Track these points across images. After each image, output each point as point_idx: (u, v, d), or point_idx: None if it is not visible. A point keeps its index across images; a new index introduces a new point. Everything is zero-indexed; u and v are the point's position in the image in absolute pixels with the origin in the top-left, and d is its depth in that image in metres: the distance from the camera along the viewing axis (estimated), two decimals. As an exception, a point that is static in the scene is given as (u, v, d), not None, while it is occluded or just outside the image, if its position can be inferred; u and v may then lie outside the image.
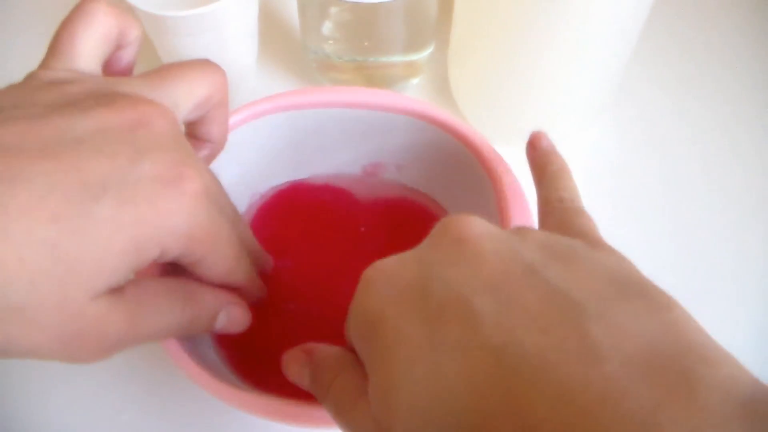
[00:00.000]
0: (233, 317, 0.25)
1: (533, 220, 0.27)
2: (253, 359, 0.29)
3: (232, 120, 0.30)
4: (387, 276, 0.19)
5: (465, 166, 0.30)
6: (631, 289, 0.17)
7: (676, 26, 0.47)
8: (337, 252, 0.32)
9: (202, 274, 0.23)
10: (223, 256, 0.23)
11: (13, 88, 0.21)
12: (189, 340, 0.26)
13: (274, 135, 0.32)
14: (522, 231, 0.19)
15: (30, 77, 0.22)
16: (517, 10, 0.32)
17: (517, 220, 0.27)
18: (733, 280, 0.36)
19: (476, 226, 0.19)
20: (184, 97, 0.23)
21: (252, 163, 0.33)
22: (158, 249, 0.20)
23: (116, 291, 0.20)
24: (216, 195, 0.22)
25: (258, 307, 0.31)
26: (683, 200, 0.39)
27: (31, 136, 0.18)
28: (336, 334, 0.30)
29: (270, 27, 0.46)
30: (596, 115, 0.40)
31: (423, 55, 0.41)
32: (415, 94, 0.43)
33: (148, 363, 0.32)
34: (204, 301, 0.23)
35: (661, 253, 0.36)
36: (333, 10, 0.38)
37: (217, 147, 0.27)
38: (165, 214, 0.20)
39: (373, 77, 0.41)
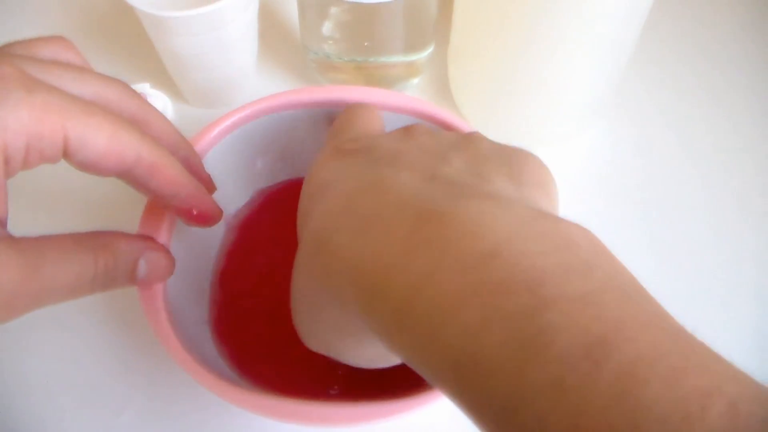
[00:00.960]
0: (154, 264, 0.24)
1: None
2: (254, 356, 0.29)
3: (233, 119, 0.30)
4: (318, 176, 0.22)
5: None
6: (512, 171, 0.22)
7: (675, 29, 0.47)
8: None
9: (85, 158, 0.21)
10: (89, 125, 0.20)
11: None
12: (188, 338, 0.26)
13: (273, 134, 0.32)
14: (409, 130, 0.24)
15: None
16: (517, 10, 0.32)
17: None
18: (729, 281, 0.36)
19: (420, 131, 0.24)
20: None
21: (252, 162, 0.33)
22: None
23: (6, 238, 0.19)
24: (38, 76, 0.20)
25: (258, 306, 0.31)
26: (681, 202, 0.39)
27: None
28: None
29: (270, 27, 0.46)
30: (595, 116, 0.40)
31: (423, 55, 0.41)
32: (415, 95, 0.43)
33: (148, 362, 0.32)
34: (118, 250, 0.22)
35: (657, 255, 0.36)
36: (333, 10, 0.38)
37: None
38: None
39: (373, 77, 0.41)
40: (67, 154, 0.20)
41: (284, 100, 0.31)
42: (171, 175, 0.23)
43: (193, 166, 0.26)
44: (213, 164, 0.30)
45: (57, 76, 0.21)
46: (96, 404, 0.32)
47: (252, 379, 0.28)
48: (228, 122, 0.30)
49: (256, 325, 0.30)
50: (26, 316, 0.33)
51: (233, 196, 0.33)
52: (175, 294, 0.27)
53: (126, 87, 0.24)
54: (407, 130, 0.24)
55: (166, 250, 0.25)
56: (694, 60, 0.46)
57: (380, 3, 0.36)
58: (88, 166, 0.21)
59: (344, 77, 0.42)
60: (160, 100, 0.35)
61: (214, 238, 0.32)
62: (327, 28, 0.39)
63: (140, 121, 0.24)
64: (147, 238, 0.25)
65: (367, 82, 0.41)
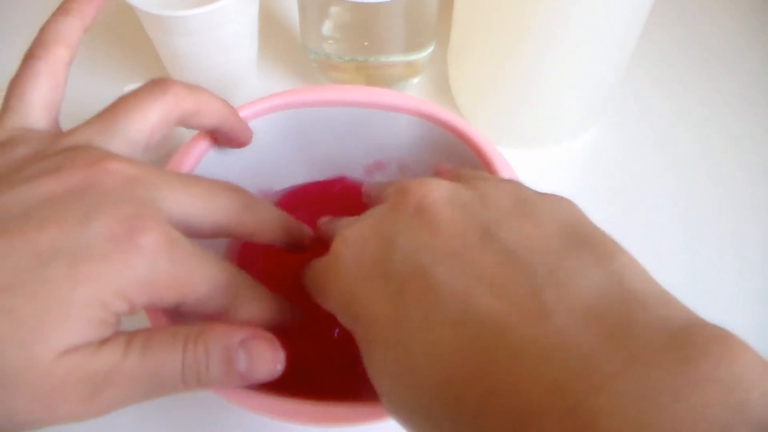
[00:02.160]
0: (257, 355, 0.21)
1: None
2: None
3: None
4: (353, 254, 0.20)
5: (466, 165, 0.30)
6: (579, 239, 0.18)
7: (677, 26, 0.47)
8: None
9: (199, 316, 0.22)
10: (206, 295, 0.21)
11: None
12: None
13: (274, 134, 0.32)
14: (479, 185, 0.21)
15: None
16: (517, 10, 0.32)
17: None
18: (734, 278, 0.36)
19: (434, 191, 0.20)
20: (137, 129, 0.23)
21: (252, 162, 0.33)
22: (124, 302, 0.20)
23: (99, 343, 0.20)
24: (181, 240, 0.21)
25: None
26: (683, 200, 0.39)
27: None
28: (344, 332, 0.30)
29: (270, 27, 0.46)
30: (596, 115, 0.40)
31: (423, 55, 0.41)
32: (415, 94, 0.43)
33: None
34: (211, 339, 0.21)
35: (661, 253, 0.36)
36: (333, 10, 0.38)
37: (232, 131, 0.28)
38: (120, 269, 0.19)
39: (373, 77, 0.41)
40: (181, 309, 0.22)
41: (284, 100, 0.31)
42: (279, 327, 0.24)
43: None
44: (212, 164, 0.30)
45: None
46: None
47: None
48: (228, 122, 0.30)
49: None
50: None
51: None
52: None
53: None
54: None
55: (272, 340, 0.22)
56: (695, 58, 0.46)
57: (380, 3, 0.36)
58: None
59: (344, 77, 0.42)
60: (160, 100, 0.35)
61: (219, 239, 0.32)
62: (327, 27, 0.39)
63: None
64: (248, 328, 0.22)
65: (367, 82, 0.41)
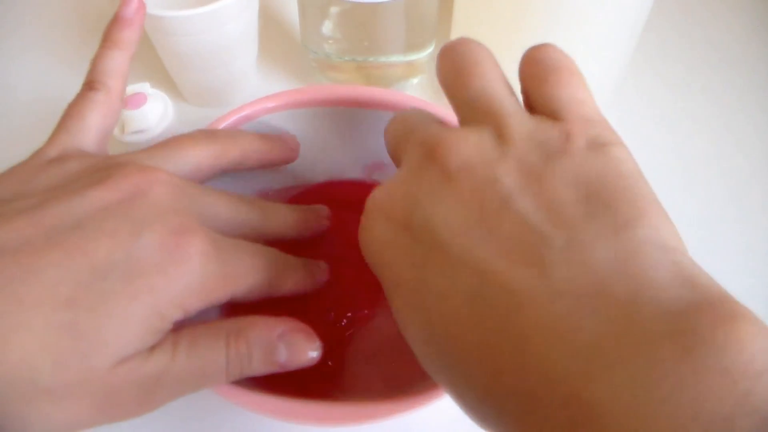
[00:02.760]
0: (294, 347, 0.23)
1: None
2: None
3: (233, 119, 0.30)
4: (381, 214, 0.21)
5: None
6: (602, 203, 0.17)
7: (679, 23, 0.47)
8: (342, 249, 0.32)
9: (246, 302, 0.24)
10: (252, 285, 0.24)
11: (15, 171, 0.23)
12: None
13: (274, 134, 0.32)
14: (505, 136, 0.20)
15: (35, 154, 0.24)
16: (517, 10, 0.32)
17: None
18: (727, 282, 0.36)
19: (460, 152, 0.19)
20: (184, 162, 0.25)
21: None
22: (179, 310, 0.21)
23: (154, 349, 0.21)
24: (222, 241, 0.23)
25: (261, 305, 0.31)
26: (686, 197, 0.39)
27: (34, 229, 0.20)
28: (345, 331, 0.30)
29: (270, 27, 0.46)
30: (596, 114, 0.40)
31: (423, 55, 0.41)
32: (415, 94, 0.43)
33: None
34: (253, 335, 0.23)
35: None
36: (333, 10, 0.38)
37: (275, 162, 0.30)
38: (174, 278, 0.21)
39: (373, 77, 0.41)
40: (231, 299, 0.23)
41: (284, 100, 0.31)
42: (310, 287, 0.27)
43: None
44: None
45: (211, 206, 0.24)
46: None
47: (253, 378, 0.28)
48: (228, 122, 0.30)
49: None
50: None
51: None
52: None
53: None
54: None
55: (308, 331, 0.24)
56: (697, 56, 0.46)
57: (380, 3, 0.36)
58: None
59: (344, 77, 0.42)
60: (160, 100, 0.35)
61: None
62: (327, 27, 0.39)
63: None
64: (286, 320, 0.24)
65: (367, 82, 0.41)
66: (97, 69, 0.27)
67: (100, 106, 0.26)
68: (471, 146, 0.20)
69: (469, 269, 0.18)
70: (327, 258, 0.30)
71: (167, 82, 0.42)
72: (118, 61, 0.27)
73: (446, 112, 0.30)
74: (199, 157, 0.26)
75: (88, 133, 0.25)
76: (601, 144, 0.19)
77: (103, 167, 0.23)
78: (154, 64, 0.41)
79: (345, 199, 0.34)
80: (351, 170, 0.35)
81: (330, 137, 0.33)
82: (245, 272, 0.23)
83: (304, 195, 0.35)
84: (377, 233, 0.21)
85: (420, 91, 0.43)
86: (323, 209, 0.31)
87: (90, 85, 0.26)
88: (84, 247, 0.20)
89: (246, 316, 0.23)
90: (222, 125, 0.30)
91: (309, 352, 0.24)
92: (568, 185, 0.18)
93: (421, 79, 0.43)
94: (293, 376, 0.29)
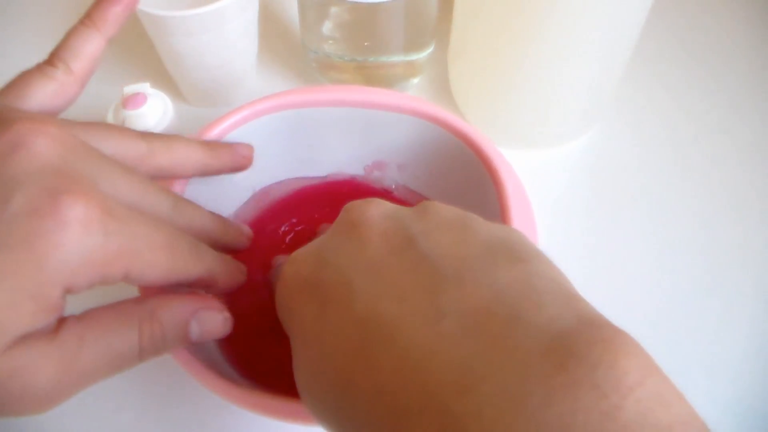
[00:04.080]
0: (207, 324, 0.23)
1: (535, 220, 0.27)
2: (255, 355, 0.29)
3: (233, 119, 0.30)
4: (294, 270, 0.21)
5: (467, 166, 0.30)
6: (502, 247, 0.18)
7: (676, 26, 0.47)
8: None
9: (143, 285, 0.22)
10: (150, 263, 0.20)
11: None
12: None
13: (274, 134, 0.32)
14: (422, 206, 0.20)
15: None
16: (517, 10, 0.32)
17: (519, 219, 0.27)
18: (727, 281, 0.36)
19: (372, 208, 0.20)
20: (106, 146, 0.22)
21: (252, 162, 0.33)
22: (57, 288, 0.18)
23: (44, 334, 0.18)
24: (116, 207, 0.19)
25: (261, 304, 0.31)
26: (680, 203, 0.39)
27: None
28: (221, 237, 0.30)
29: (270, 27, 0.46)
30: (596, 115, 0.40)
31: (423, 55, 0.41)
32: (415, 94, 0.43)
33: (149, 362, 0.32)
34: (166, 317, 0.21)
35: (661, 253, 0.36)
36: (333, 10, 0.38)
37: (218, 172, 0.28)
38: (45, 251, 0.17)
39: (373, 77, 0.41)
40: (125, 281, 0.20)
41: (284, 100, 0.31)
42: (224, 284, 0.25)
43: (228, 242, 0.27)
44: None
45: (122, 182, 0.21)
46: (96, 404, 0.32)
47: (253, 378, 0.28)
48: (228, 122, 0.30)
49: (258, 325, 0.30)
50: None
51: (233, 195, 0.33)
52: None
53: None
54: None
55: (220, 307, 0.23)
56: (694, 58, 0.46)
57: (380, 3, 0.36)
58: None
59: (344, 77, 0.42)
60: (160, 100, 0.35)
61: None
62: (327, 27, 0.39)
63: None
64: (197, 297, 0.23)
65: (367, 82, 0.41)
66: (65, 45, 0.24)
67: (52, 83, 0.23)
68: (388, 205, 0.21)
69: (363, 299, 0.18)
70: None
71: (167, 82, 0.42)
72: (92, 43, 0.24)
73: (447, 112, 0.30)
74: (121, 150, 0.23)
75: (25, 101, 0.22)
76: (509, 227, 0.22)
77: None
78: (154, 64, 0.41)
79: (343, 197, 0.34)
80: (351, 170, 0.35)
81: (330, 138, 0.33)
82: (141, 248, 0.20)
83: (304, 193, 0.35)
84: (287, 285, 0.21)
85: (420, 91, 0.43)
86: (246, 229, 0.29)
87: (51, 60, 0.23)
88: None
89: (157, 297, 0.22)
90: (222, 125, 0.30)
91: (221, 328, 0.23)
92: (475, 236, 0.19)
93: (421, 79, 0.43)
94: (293, 378, 0.29)
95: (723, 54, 0.46)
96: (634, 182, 0.40)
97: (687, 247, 0.37)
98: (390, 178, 0.34)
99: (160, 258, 0.21)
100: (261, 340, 0.30)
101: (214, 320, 0.23)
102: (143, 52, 0.43)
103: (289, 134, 0.32)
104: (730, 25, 0.48)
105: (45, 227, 0.17)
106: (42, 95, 0.23)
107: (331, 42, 0.39)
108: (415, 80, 0.43)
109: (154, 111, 0.34)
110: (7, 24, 0.47)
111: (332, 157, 0.34)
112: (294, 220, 0.34)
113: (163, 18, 0.34)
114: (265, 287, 0.32)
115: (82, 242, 0.18)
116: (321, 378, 0.18)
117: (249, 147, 0.29)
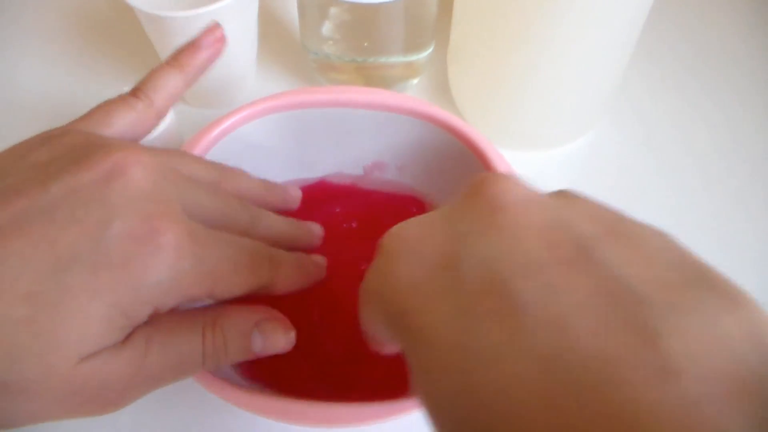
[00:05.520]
0: (269, 336, 0.23)
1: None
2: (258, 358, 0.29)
3: (233, 120, 0.30)
4: (410, 248, 0.16)
5: (466, 167, 0.30)
6: (695, 275, 0.14)
7: (677, 27, 0.47)
8: (340, 250, 0.32)
9: (225, 299, 0.23)
10: (231, 284, 0.22)
11: (16, 146, 0.22)
12: None
13: (273, 134, 0.32)
14: (566, 195, 0.17)
15: (44, 132, 0.23)
16: (517, 10, 0.32)
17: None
18: (735, 279, 0.36)
19: (513, 188, 0.16)
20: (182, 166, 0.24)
21: (251, 162, 0.33)
22: (148, 307, 0.20)
23: (125, 344, 0.20)
24: (203, 233, 0.21)
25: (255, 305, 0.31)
26: (684, 201, 0.39)
27: (3, 212, 0.19)
28: (342, 331, 0.30)
29: (270, 27, 0.46)
30: (596, 115, 0.40)
31: (423, 55, 0.41)
32: (415, 95, 0.43)
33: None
34: (227, 326, 0.22)
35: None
36: (333, 10, 0.38)
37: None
38: (141, 273, 0.19)
39: (372, 78, 0.41)
40: (208, 298, 0.22)
41: (284, 101, 0.31)
42: (301, 284, 0.25)
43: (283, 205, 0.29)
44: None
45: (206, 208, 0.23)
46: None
47: (253, 379, 0.28)
48: (228, 123, 0.30)
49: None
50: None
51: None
52: None
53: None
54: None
55: (283, 320, 0.24)
56: (695, 60, 0.46)
57: (380, 3, 0.36)
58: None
59: (344, 77, 0.42)
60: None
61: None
62: (327, 28, 0.39)
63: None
64: (261, 309, 0.24)
65: (367, 83, 0.41)
66: (148, 81, 0.26)
67: (133, 113, 0.25)
68: (528, 187, 0.17)
69: (541, 321, 0.13)
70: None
71: (167, 82, 0.42)
72: (173, 82, 0.26)
73: (447, 113, 0.30)
74: (198, 174, 0.24)
75: (107, 129, 0.24)
76: (658, 228, 0.17)
77: (89, 145, 0.21)
78: (154, 64, 0.41)
79: (343, 198, 0.34)
80: (350, 170, 0.35)
81: (329, 138, 0.33)
82: (227, 271, 0.22)
83: (303, 193, 0.35)
84: (402, 274, 0.16)
85: (419, 92, 0.43)
86: (317, 228, 0.30)
87: (134, 92, 0.25)
88: (50, 236, 0.19)
89: (221, 306, 0.23)
90: (222, 126, 0.30)
91: (283, 339, 0.24)
92: (649, 249, 0.15)
93: (420, 80, 0.43)
94: (293, 379, 0.29)
95: (723, 54, 0.46)
96: (634, 183, 0.40)
97: (690, 246, 0.37)
98: (389, 179, 0.34)
99: (241, 278, 0.22)
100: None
101: (275, 333, 0.24)
102: (143, 52, 0.43)
103: (289, 135, 0.32)
104: (730, 24, 0.48)
105: (141, 251, 0.19)
106: (123, 124, 0.24)
107: (330, 43, 0.39)
108: (415, 81, 0.43)
109: (154, 111, 0.34)
110: (7, 24, 0.47)
111: (332, 158, 0.34)
112: None
113: (163, 18, 0.34)
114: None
115: (174, 266, 0.20)
116: (467, 423, 0.14)
117: (298, 191, 0.30)
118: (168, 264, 0.20)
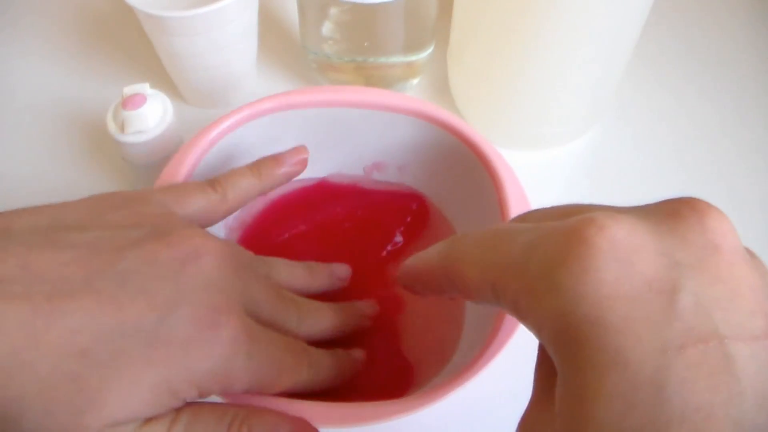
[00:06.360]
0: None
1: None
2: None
3: (233, 120, 0.30)
4: (620, 254, 0.14)
5: (466, 167, 0.30)
6: None
7: (676, 26, 0.47)
8: (340, 250, 0.32)
9: (260, 394, 0.23)
10: (273, 384, 0.23)
11: (94, 198, 0.23)
12: None
13: (273, 134, 0.32)
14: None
15: (123, 191, 0.24)
16: (517, 11, 0.32)
17: (518, 220, 0.27)
18: None
19: (732, 232, 0.16)
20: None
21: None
22: (194, 390, 0.20)
23: (152, 419, 0.20)
24: (256, 331, 0.22)
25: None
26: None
27: (77, 268, 0.19)
28: (342, 330, 0.30)
29: (270, 27, 0.46)
30: (596, 115, 0.40)
31: (423, 55, 0.41)
32: (414, 95, 0.43)
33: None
34: (256, 426, 0.22)
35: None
36: (333, 10, 0.38)
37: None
38: (197, 358, 0.20)
39: (372, 78, 0.41)
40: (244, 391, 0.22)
41: (284, 101, 0.31)
42: (334, 383, 0.26)
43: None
44: (212, 165, 0.30)
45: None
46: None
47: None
48: (227, 123, 0.30)
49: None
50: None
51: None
52: None
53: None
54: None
55: (308, 427, 0.23)
56: (693, 61, 0.46)
57: (380, 3, 0.36)
58: None
59: (344, 77, 0.42)
60: (159, 101, 0.35)
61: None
62: (327, 28, 0.39)
63: None
64: (292, 419, 0.23)
65: (367, 83, 0.41)
66: (228, 178, 0.27)
67: (207, 201, 0.26)
68: (734, 232, 0.16)
69: (753, 391, 0.13)
70: (312, 257, 0.30)
71: (167, 82, 0.42)
72: (249, 185, 0.27)
73: (447, 113, 0.30)
74: (253, 263, 0.26)
75: (182, 209, 0.25)
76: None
77: (171, 224, 0.23)
78: (153, 64, 0.41)
79: (343, 199, 0.34)
80: (350, 171, 0.35)
81: (329, 138, 0.33)
82: (272, 371, 0.22)
83: (303, 194, 0.35)
84: (608, 280, 0.14)
85: (419, 91, 0.43)
86: (369, 307, 0.30)
87: (212, 183, 0.26)
88: (119, 303, 0.19)
89: (253, 404, 0.23)
90: (222, 126, 0.30)
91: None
92: None
93: (420, 79, 0.43)
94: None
95: (723, 54, 0.46)
96: (634, 182, 0.40)
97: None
98: (389, 179, 0.34)
99: (282, 378, 0.23)
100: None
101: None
102: (143, 53, 0.43)
103: (289, 135, 0.32)
104: (730, 24, 0.48)
105: (201, 338, 0.20)
106: (196, 208, 0.25)
107: (330, 42, 0.39)
108: (415, 81, 0.43)
109: (154, 111, 0.34)
110: (7, 24, 0.47)
111: (332, 158, 0.34)
112: (293, 222, 0.34)
113: (163, 18, 0.34)
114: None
115: (228, 359, 0.21)
116: None
117: (345, 270, 0.31)
118: (223, 355, 0.20)
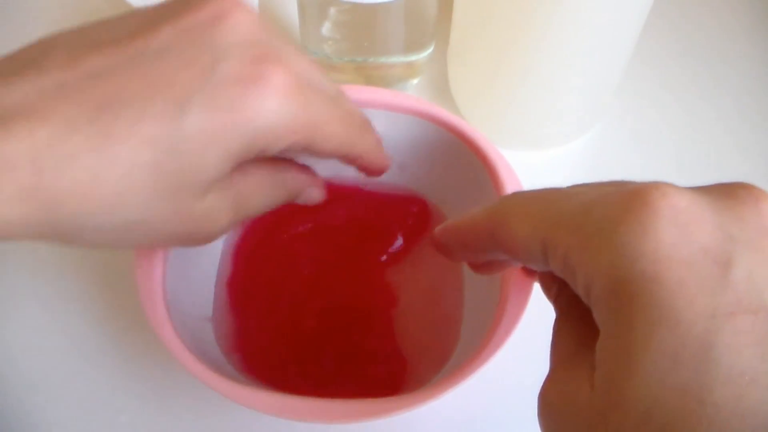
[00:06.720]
0: (311, 196, 0.27)
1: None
2: (256, 355, 0.29)
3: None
4: (679, 219, 0.15)
5: (466, 166, 0.30)
6: None
7: (676, 26, 0.47)
8: (338, 248, 0.32)
9: (316, 152, 0.23)
10: (329, 135, 0.22)
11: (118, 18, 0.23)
12: (189, 335, 0.26)
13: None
14: None
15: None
16: (517, 10, 0.32)
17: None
18: None
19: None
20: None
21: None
22: (257, 148, 0.20)
23: (222, 182, 0.21)
24: (309, 79, 0.21)
25: (262, 304, 0.31)
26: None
27: (118, 57, 0.19)
28: (342, 329, 0.30)
29: (270, 27, 0.46)
30: (597, 115, 0.40)
31: (423, 55, 0.41)
32: (415, 95, 0.43)
33: (148, 362, 0.32)
34: (294, 185, 0.25)
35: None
36: (332, 10, 0.38)
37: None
38: (253, 115, 0.19)
39: (372, 78, 0.41)
40: (303, 151, 0.23)
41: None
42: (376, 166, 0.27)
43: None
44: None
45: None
46: (96, 404, 0.32)
47: (253, 376, 0.28)
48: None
49: (259, 323, 0.30)
50: (26, 317, 0.33)
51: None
52: (175, 291, 0.27)
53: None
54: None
55: (321, 186, 0.28)
56: (693, 61, 0.46)
57: (380, 3, 0.36)
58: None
59: (344, 77, 0.42)
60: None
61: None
62: (327, 28, 0.39)
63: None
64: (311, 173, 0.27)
65: (366, 83, 0.41)
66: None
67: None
68: None
69: None
70: (312, 257, 0.30)
71: (167, 82, 0.42)
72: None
73: (447, 113, 0.30)
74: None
75: None
76: None
77: None
78: (154, 64, 0.41)
79: (343, 199, 0.34)
80: (350, 171, 0.35)
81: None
82: (325, 120, 0.22)
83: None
84: (666, 240, 0.15)
85: (420, 91, 0.43)
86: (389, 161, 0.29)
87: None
88: (164, 78, 0.19)
89: (287, 166, 0.25)
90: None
91: (317, 201, 0.27)
92: None
93: (420, 79, 0.43)
94: (291, 376, 0.29)
95: (724, 54, 0.46)
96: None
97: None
98: (390, 179, 0.34)
99: (337, 130, 0.23)
100: (264, 340, 0.30)
101: (315, 196, 0.27)
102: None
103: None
104: (730, 25, 0.48)
105: (249, 93, 0.19)
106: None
107: (330, 42, 0.40)
108: (415, 81, 0.43)
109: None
110: (6, 23, 0.47)
111: (332, 159, 0.34)
112: (294, 222, 0.34)
113: (163, 18, 0.34)
114: (268, 286, 0.32)
115: (282, 109, 0.20)
116: (680, 414, 0.13)
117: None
118: (275, 106, 0.20)
